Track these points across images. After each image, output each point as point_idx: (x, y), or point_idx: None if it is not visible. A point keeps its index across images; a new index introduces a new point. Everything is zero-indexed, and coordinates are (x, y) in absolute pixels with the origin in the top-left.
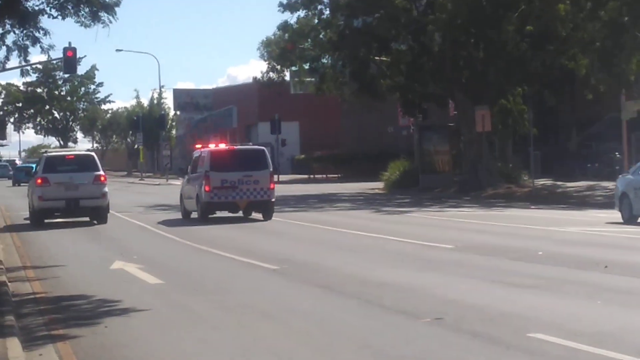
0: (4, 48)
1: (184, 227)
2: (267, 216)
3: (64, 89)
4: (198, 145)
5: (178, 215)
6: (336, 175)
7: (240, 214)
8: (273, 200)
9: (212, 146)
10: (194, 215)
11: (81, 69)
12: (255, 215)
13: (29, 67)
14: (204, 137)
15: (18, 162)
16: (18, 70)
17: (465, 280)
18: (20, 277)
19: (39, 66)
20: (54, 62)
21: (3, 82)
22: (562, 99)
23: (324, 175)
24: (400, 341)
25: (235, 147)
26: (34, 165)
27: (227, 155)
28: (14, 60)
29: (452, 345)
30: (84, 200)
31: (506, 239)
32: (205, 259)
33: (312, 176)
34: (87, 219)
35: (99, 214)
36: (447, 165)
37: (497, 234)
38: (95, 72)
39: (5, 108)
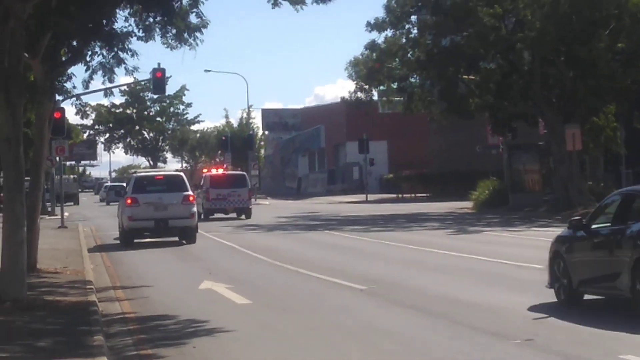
0: (89, 68)
1: (271, 246)
2: (247, 217)
3: (153, 109)
4: (205, 170)
5: (266, 235)
6: (425, 195)
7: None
8: (250, 207)
9: (213, 171)
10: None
11: (170, 89)
12: (347, 235)
13: (115, 89)
14: (292, 156)
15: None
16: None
17: (555, 300)
18: (109, 297)
19: (131, 86)
20: (142, 83)
21: (93, 103)
22: None
23: (413, 195)
24: None
25: (226, 172)
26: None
27: (220, 178)
28: (98, 81)
29: None
30: (172, 220)
31: None
32: (293, 278)
33: (400, 195)
34: (176, 238)
35: (187, 234)
36: (537, 184)
37: None
38: (185, 92)
39: (96, 127)
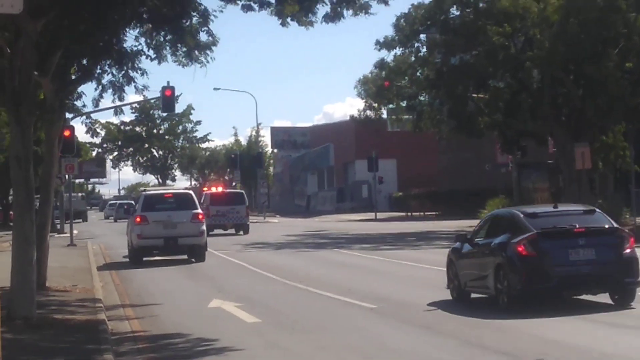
0: (99, 87)
1: (280, 265)
2: (245, 232)
3: (162, 127)
4: (205, 188)
5: (275, 253)
6: (434, 213)
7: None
8: (248, 223)
9: (213, 189)
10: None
11: (180, 107)
12: (356, 253)
13: (125, 107)
14: (301, 174)
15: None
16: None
17: (566, 319)
18: (119, 315)
19: (137, 105)
20: (152, 101)
21: (103, 121)
22: None
23: (422, 213)
24: None
25: (225, 190)
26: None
27: (220, 196)
28: (108, 99)
29: None
30: (182, 238)
31: None
32: (303, 297)
33: (409, 214)
34: (185, 256)
35: (197, 252)
36: (546, 202)
37: None
38: (192, 111)
39: (105, 145)
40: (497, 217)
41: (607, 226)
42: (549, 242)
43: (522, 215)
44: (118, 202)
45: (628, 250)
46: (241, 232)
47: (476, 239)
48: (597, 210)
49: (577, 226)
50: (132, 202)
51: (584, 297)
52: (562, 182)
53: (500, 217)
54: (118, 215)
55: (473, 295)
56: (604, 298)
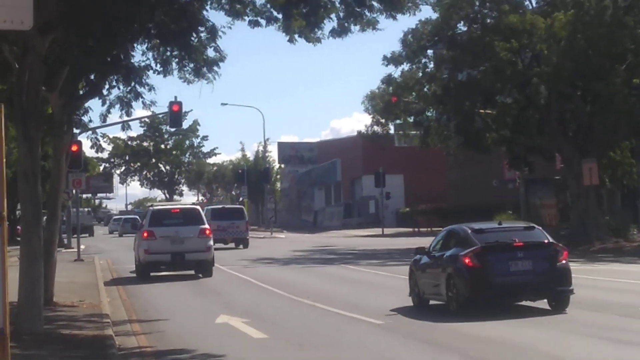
0: (107, 102)
1: (288, 280)
2: (245, 247)
3: (170, 142)
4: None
5: (282, 268)
6: (441, 229)
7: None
8: (247, 237)
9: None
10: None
11: (186, 122)
12: (363, 269)
13: (133, 122)
14: (308, 190)
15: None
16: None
17: (571, 336)
18: (126, 330)
19: (147, 120)
20: (160, 116)
21: (110, 136)
22: None
23: (429, 229)
24: None
25: (226, 206)
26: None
27: (221, 211)
28: (115, 114)
29: None
30: (189, 253)
31: (614, 295)
32: (310, 313)
33: (416, 229)
34: (193, 272)
35: (204, 268)
36: (554, 219)
37: (605, 289)
38: (198, 126)
39: (112, 160)
40: (451, 232)
41: (544, 241)
42: (492, 255)
43: (469, 231)
44: (123, 217)
45: (563, 262)
46: (241, 246)
47: (433, 252)
48: (537, 227)
49: (517, 240)
50: (137, 217)
51: (524, 303)
52: (570, 198)
53: (454, 232)
54: (123, 230)
55: (480, 308)
56: (543, 304)
